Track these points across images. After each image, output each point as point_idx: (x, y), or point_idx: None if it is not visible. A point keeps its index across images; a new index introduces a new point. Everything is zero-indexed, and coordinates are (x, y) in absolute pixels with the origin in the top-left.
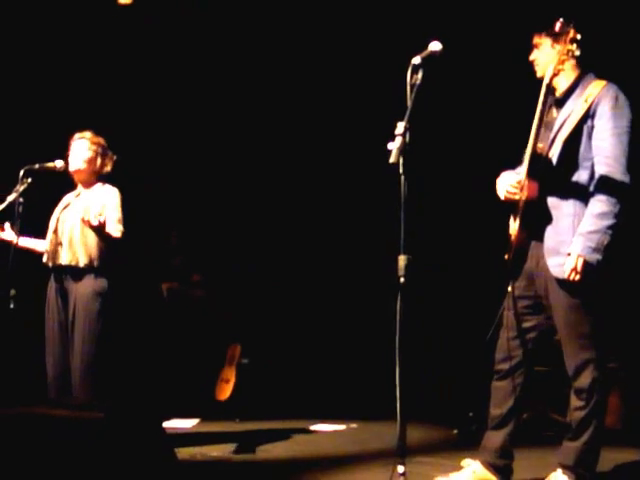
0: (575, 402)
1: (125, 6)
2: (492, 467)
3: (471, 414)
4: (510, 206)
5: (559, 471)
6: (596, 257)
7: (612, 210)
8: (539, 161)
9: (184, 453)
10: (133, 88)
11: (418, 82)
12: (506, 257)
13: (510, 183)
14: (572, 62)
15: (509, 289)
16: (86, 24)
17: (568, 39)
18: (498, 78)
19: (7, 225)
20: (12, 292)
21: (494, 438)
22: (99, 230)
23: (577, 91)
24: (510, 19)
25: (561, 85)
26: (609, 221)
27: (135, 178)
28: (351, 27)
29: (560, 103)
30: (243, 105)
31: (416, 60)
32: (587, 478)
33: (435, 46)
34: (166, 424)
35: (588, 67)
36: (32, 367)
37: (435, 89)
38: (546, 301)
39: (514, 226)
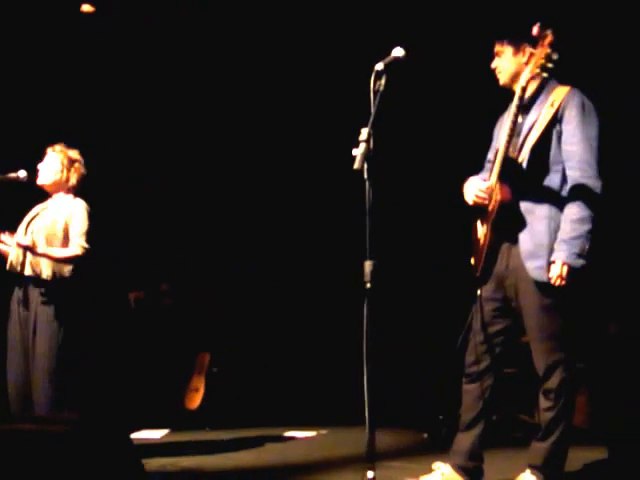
0: (544, 403)
1: (88, 14)
2: (461, 469)
3: (441, 417)
4: (476, 210)
5: (528, 472)
6: (581, 262)
7: (590, 214)
8: (510, 165)
9: (154, 464)
10: (106, 99)
11: (381, 88)
12: (473, 261)
13: (479, 188)
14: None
15: (478, 292)
16: (50, 31)
17: (546, 43)
18: (462, 83)
19: None
20: None
21: (464, 441)
22: (32, 250)
23: (542, 96)
24: (473, 25)
25: (527, 91)
26: (589, 226)
27: (107, 185)
28: (314, 34)
29: (525, 108)
30: (225, 111)
31: (379, 66)
32: (555, 478)
33: (398, 52)
34: (135, 435)
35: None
36: None
37: (399, 95)
38: (515, 303)
39: (482, 230)
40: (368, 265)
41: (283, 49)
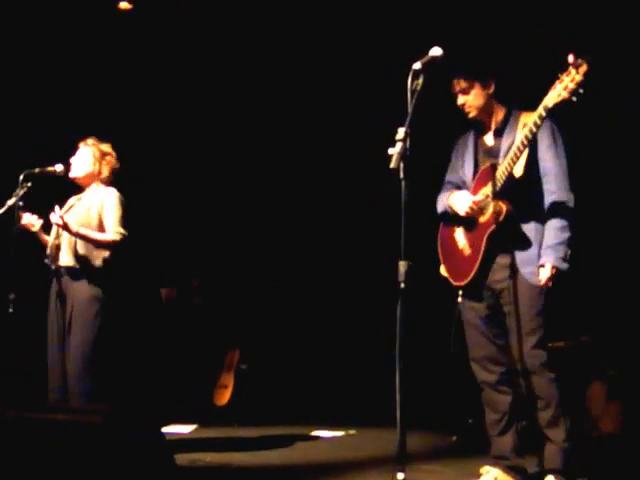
0: (539, 402)
1: (125, 11)
2: (512, 469)
3: (470, 421)
4: (453, 220)
5: (550, 477)
6: (566, 265)
7: (568, 224)
8: (509, 182)
9: (182, 459)
10: (141, 94)
11: (419, 87)
12: (445, 270)
13: (472, 200)
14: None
15: (459, 300)
16: (87, 28)
17: (581, 72)
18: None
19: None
20: (11, 296)
21: (504, 442)
22: (77, 234)
23: (511, 121)
24: (508, 24)
25: (494, 119)
26: (569, 233)
27: (139, 181)
28: (351, 32)
29: (498, 133)
30: (246, 111)
31: (417, 65)
32: (574, 476)
33: (436, 51)
34: (164, 430)
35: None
36: (32, 371)
37: (436, 94)
38: (507, 308)
39: (464, 240)
40: (402, 265)
41: (322, 47)
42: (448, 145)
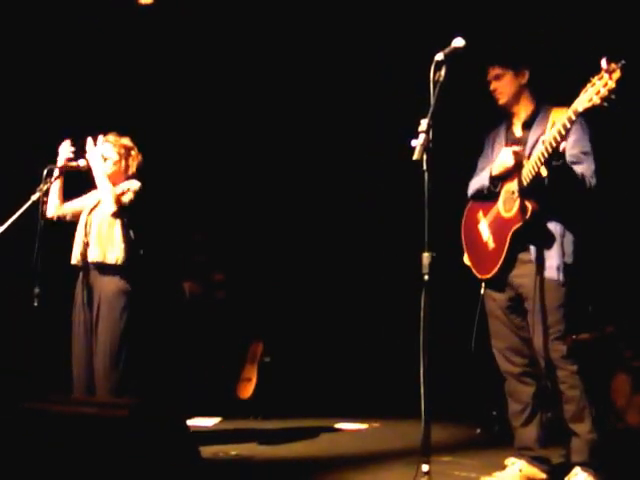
0: (563, 395)
1: (146, 6)
2: (537, 460)
3: (494, 413)
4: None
5: (577, 469)
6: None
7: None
8: (536, 181)
9: (206, 451)
10: (159, 86)
11: (441, 79)
12: (469, 260)
13: (512, 149)
14: (529, 92)
15: (482, 292)
16: (108, 23)
17: (614, 78)
18: None
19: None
20: (36, 291)
21: (528, 432)
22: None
23: (541, 115)
24: (531, 16)
25: (523, 110)
26: (581, 179)
27: (160, 176)
28: (375, 23)
29: (527, 125)
30: (270, 105)
31: (439, 56)
32: (602, 467)
33: (458, 42)
34: (188, 422)
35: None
36: (57, 365)
37: (458, 85)
38: (528, 303)
39: (487, 233)
40: (426, 257)
41: (343, 37)
42: (471, 137)
